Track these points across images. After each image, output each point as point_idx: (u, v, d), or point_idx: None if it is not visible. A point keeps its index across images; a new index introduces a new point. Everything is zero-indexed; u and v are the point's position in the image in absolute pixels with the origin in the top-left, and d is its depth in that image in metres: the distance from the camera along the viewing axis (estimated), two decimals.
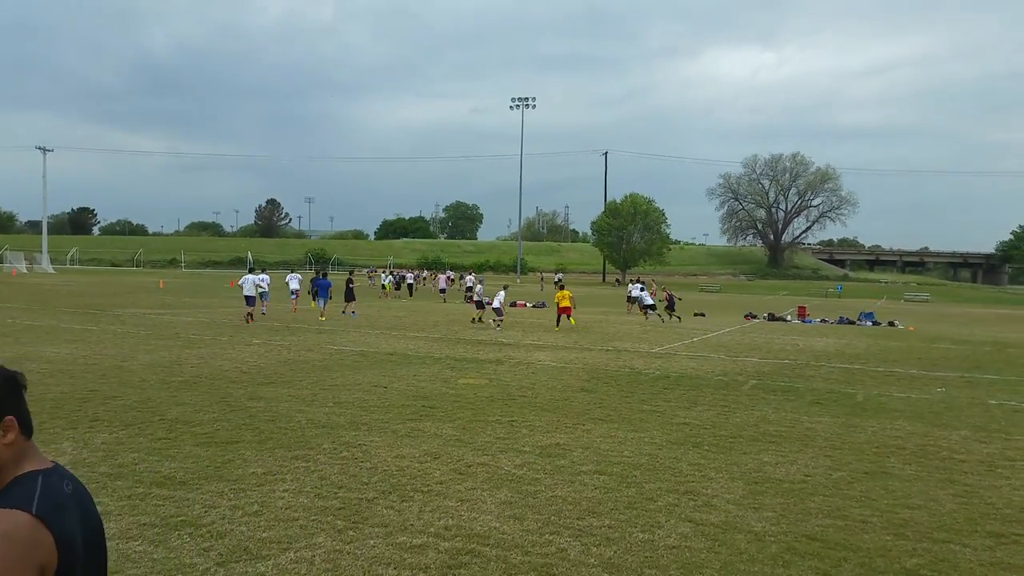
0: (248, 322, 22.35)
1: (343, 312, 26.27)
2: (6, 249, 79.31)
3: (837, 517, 6.25)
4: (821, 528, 5.96)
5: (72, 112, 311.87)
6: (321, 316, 24.93)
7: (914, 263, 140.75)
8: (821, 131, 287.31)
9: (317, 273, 27.47)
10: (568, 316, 24.68)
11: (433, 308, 33.40)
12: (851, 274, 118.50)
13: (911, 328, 30.12)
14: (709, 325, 28.34)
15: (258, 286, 23.96)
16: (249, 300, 23.12)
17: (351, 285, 27.18)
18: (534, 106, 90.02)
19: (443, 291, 40.83)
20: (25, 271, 66.23)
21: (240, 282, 23.97)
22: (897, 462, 8.16)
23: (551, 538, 5.56)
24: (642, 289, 31.82)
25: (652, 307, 30.08)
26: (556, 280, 56.13)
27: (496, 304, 23.93)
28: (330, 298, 25.88)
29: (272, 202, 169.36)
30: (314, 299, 26.33)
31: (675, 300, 30.98)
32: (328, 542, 5.35)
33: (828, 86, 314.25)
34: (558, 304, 25.02)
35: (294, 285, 29.14)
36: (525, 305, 37.41)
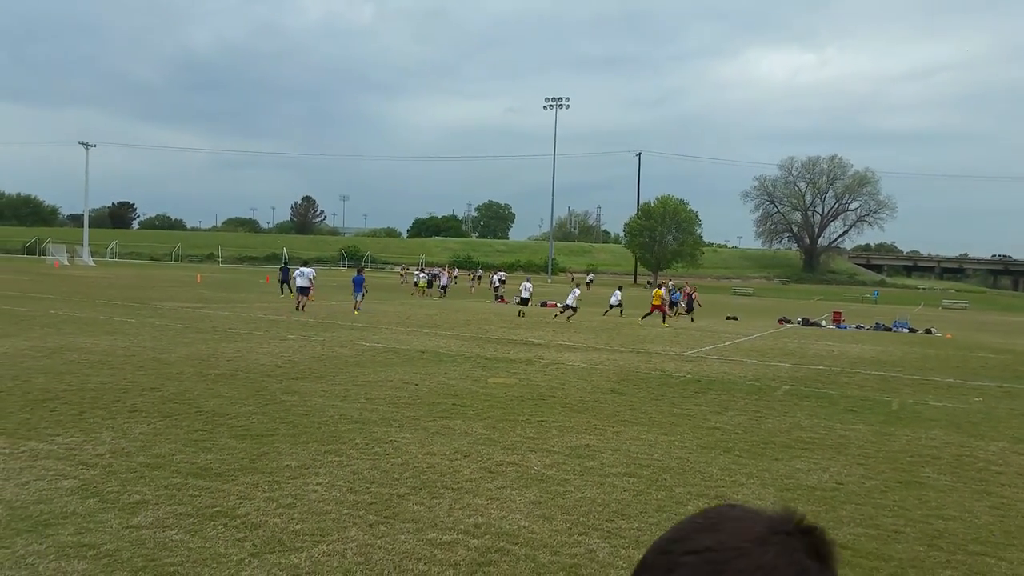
0: (299, 309, 24.88)
1: (355, 308, 26.50)
2: (49, 242, 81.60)
3: (869, 526, 6.16)
4: (853, 537, 5.89)
5: (115, 108, 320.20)
6: (355, 310, 25.78)
7: (953, 269, 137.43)
8: (860, 134, 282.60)
9: (358, 271, 28.96)
10: (660, 313, 27.18)
11: (464, 307, 33.56)
12: (888, 279, 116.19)
13: (948, 336, 29.47)
14: (742, 329, 28.05)
15: (310, 279, 26.46)
16: (303, 290, 25.91)
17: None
18: (568, 106, 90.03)
19: (496, 289, 41.08)
20: (67, 263, 68.02)
21: (295, 274, 26.75)
22: (932, 472, 8.01)
23: (580, 539, 5.58)
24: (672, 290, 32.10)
25: (579, 308, 29.59)
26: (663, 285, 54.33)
27: (571, 301, 27.80)
28: (367, 292, 27.34)
29: (308, 199, 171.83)
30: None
31: (694, 302, 31.57)
32: (360, 536, 5.44)
33: (868, 89, 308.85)
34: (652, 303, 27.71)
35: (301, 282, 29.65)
36: (556, 305, 37.37)
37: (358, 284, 26.77)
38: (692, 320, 29.34)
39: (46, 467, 6.76)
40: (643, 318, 27.96)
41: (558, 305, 36.43)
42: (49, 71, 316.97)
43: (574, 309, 27.98)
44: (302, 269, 26.88)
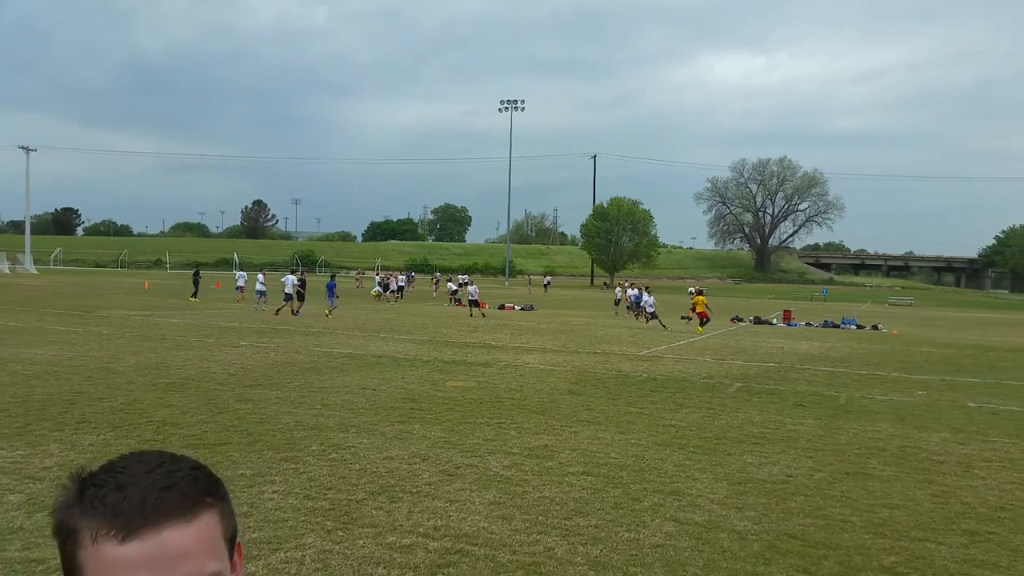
0: (293, 315, 26.00)
1: (294, 312, 26.77)
2: None
3: (818, 516, 6.37)
4: (802, 527, 6.09)
5: (61, 112, 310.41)
6: (328, 313, 26.78)
7: (899, 267, 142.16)
8: (810, 136, 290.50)
9: (331, 276, 31.34)
10: (701, 319, 25.94)
11: (421, 311, 33.43)
12: (837, 278, 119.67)
13: (895, 332, 30.49)
14: (695, 328, 28.54)
15: (293, 284, 27.39)
16: (287, 296, 26.88)
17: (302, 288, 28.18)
18: (523, 109, 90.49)
19: (454, 293, 40.10)
20: (7, 272, 65.57)
21: (282, 280, 27.99)
22: (877, 463, 8.31)
23: (539, 537, 5.65)
24: (647, 292, 30.65)
25: (654, 315, 28.59)
26: (691, 291, 49.82)
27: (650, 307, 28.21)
28: (338, 298, 28.24)
29: (258, 203, 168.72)
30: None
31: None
32: (318, 542, 5.41)
33: (818, 91, 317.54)
34: (694, 308, 26.75)
35: (259, 287, 29.93)
36: (513, 308, 37.51)
37: (331, 290, 27.40)
38: (647, 321, 28.84)
39: None
40: (702, 325, 26.38)
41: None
42: None
43: (652, 315, 28.02)
44: (288, 276, 27.89)
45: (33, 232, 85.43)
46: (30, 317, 22.79)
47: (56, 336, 17.84)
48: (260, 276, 29.88)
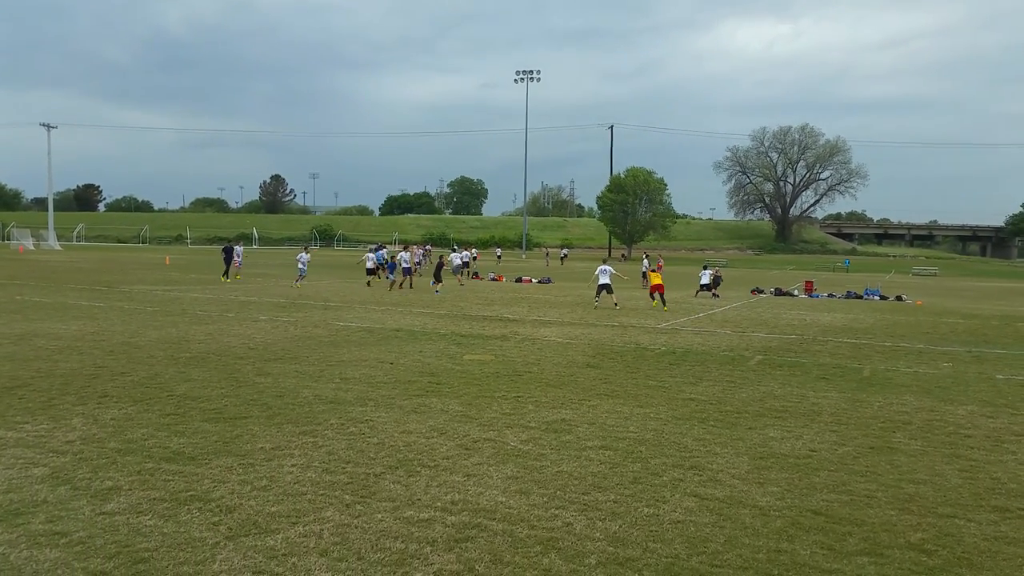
0: (391, 289, 27.76)
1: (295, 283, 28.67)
2: (13, 226, 79.57)
3: (842, 492, 6.27)
4: (826, 503, 5.99)
5: (84, 89, 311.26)
6: (400, 287, 28.41)
7: (923, 236, 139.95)
8: (834, 104, 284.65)
9: (373, 250, 32.65)
10: (661, 294, 24.70)
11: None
12: (859, 248, 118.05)
13: (919, 302, 30.02)
14: (714, 300, 28.30)
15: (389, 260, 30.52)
16: (370, 271, 30.13)
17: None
18: (539, 79, 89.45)
19: (461, 267, 39.71)
20: (32, 248, 66.48)
21: (363, 257, 31.11)
22: (903, 437, 8.17)
23: (557, 512, 5.61)
24: (705, 268, 30.78)
25: (707, 287, 29.32)
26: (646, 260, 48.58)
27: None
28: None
29: (277, 178, 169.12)
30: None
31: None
32: (336, 516, 5.41)
33: (842, 58, 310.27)
34: (651, 282, 25.35)
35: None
36: (531, 281, 37.40)
37: (390, 267, 29.45)
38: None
39: (15, 455, 6.63)
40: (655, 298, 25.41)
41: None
42: (14, 52, 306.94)
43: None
44: (369, 254, 30.95)
45: (56, 209, 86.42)
46: (53, 292, 23.08)
47: (79, 311, 18.04)
48: (405, 255, 30.69)
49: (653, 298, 24.64)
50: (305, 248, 33.69)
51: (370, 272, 30.16)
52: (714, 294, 29.73)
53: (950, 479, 6.71)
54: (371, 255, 30.93)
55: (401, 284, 28.75)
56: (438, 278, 28.05)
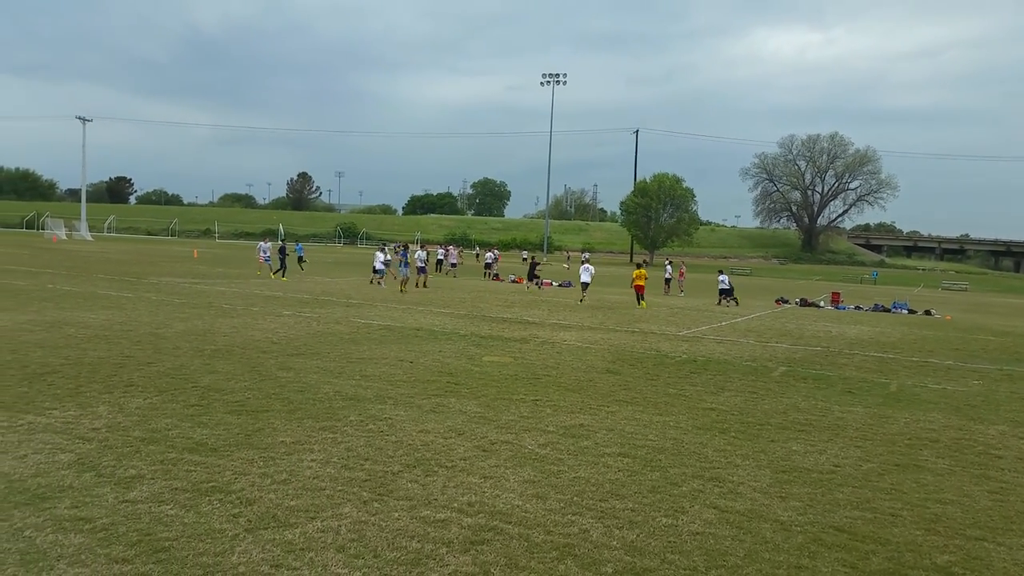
0: (402, 289, 27.02)
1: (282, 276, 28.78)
2: (47, 216, 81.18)
3: (866, 509, 6.16)
4: (849, 520, 5.88)
5: (119, 84, 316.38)
6: (416, 286, 28.11)
7: (954, 250, 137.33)
8: (864, 113, 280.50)
9: (399, 249, 31.86)
10: (641, 296, 26.29)
11: (458, 284, 33.49)
12: (888, 260, 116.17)
13: (948, 317, 29.49)
14: (738, 309, 28.03)
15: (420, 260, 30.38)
16: (421, 269, 29.89)
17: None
18: (565, 82, 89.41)
19: (490, 267, 40.30)
20: (64, 238, 67.75)
21: (415, 256, 30.81)
22: (930, 455, 8.01)
23: (573, 518, 5.57)
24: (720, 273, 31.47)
25: (727, 292, 29.43)
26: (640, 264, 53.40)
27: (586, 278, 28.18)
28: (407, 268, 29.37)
29: (303, 175, 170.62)
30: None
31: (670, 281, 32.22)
32: (354, 512, 5.42)
33: (874, 67, 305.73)
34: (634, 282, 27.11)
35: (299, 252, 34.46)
36: (551, 284, 37.32)
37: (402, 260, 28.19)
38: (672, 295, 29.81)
39: (43, 441, 6.74)
40: (640, 300, 26.95)
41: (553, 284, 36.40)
42: (54, 46, 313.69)
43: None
44: (419, 252, 31.26)
45: (88, 200, 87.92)
46: (84, 282, 23.48)
47: (108, 301, 18.33)
48: (421, 253, 31.08)
49: (640, 299, 26.40)
50: (382, 248, 32.96)
51: (377, 272, 30.00)
52: (734, 300, 29.60)
53: (979, 500, 6.56)
54: (380, 255, 30.75)
55: (417, 283, 28.89)
56: (532, 277, 30.95)
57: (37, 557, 4.47)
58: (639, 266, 29.29)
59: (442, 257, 43.26)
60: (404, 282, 27.54)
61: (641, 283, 26.77)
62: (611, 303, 27.17)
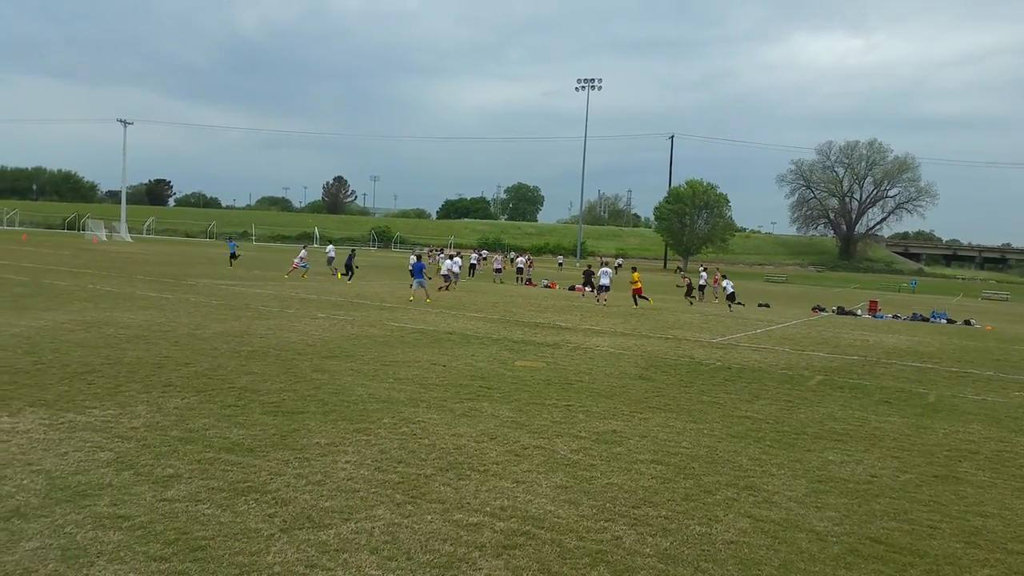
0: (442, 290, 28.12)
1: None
2: (88, 217, 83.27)
3: (903, 521, 6.04)
4: (886, 531, 5.77)
5: (160, 88, 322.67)
6: (411, 298, 24.94)
7: (994, 259, 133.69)
8: (905, 119, 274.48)
9: (418, 257, 30.14)
10: (639, 296, 27.92)
11: (492, 289, 33.56)
12: (927, 269, 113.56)
13: (989, 327, 28.73)
14: (774, 317, 27.66)
15: (450, 269, 31.23)
16: (445, 277, 30.71)
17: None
18: (600, 88, 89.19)
19: (522, 272, 40.57)
20: (105, 239, 69.43)
21: (445, 263, 32.14)
22: (970, 467, 7.82)
23: (606, 525, 5.55)
24: (724, 277, 32.71)
25: (730, 297, 29.98)
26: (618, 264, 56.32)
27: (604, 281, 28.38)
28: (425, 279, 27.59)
29: (339, 179, 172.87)
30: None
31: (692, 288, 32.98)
32: (387, 515, 5.47)
33: (916, 74, 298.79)
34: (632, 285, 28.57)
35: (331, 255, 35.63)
36: (584, 289, 37.18)
37: (418, 271, 25.36)
38: (693, 303, 30.57)
39: (84, 439, 6.92)
40: (637, 301, 28.27)
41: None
42: (96, 50, 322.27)
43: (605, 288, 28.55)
44: (447, 261, 32.02)
45: (128, 202, 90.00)
46: (124, 283, 24.05)
47: (147, 302, 18.74)
48: (449, 262, 31.78)
49: (636, 301, 27.93)
50: (418, 256, 31.73)
51: (449, 279, 30.94)
52: (739, 304, 30.18)
53: (1021, 514, 6.39)
54: (413, 258, 30.85)
55: (440, 288, 28.88)
56: (588, 283, 31.68)
57: (77, 553, 4.59)
58: (635, 269, 31.75)
59: (475, 262, 43.85)
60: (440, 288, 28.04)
61: (638, 285, 28.60)
62: (643, 309, 27.01)
